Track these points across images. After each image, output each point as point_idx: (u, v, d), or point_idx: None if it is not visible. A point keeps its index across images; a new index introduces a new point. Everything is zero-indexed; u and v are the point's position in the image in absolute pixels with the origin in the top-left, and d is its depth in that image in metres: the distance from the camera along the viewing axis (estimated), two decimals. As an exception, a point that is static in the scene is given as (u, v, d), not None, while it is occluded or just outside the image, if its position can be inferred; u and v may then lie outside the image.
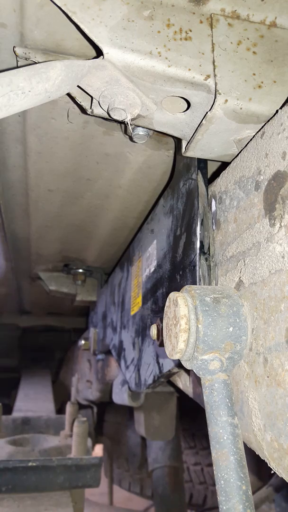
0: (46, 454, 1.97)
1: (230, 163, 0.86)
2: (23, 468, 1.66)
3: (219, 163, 1.08)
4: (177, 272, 1.00)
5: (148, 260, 1.28)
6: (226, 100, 0.75)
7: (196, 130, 0.85)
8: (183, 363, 0.73)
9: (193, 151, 0.91)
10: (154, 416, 2.30)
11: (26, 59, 0.82)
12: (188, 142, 0.90)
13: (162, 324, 0.80)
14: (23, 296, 3.00)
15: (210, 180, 0.95)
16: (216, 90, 0.75)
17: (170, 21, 0.77)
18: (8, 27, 0.78)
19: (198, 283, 0.87)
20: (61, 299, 2.60)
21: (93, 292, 2.39)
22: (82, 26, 0.73)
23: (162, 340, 0.78)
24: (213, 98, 0.76)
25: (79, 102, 0.88)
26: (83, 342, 2.23)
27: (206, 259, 0.88)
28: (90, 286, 2.38)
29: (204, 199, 0.92)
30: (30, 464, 1.68)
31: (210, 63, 0.76)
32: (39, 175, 1.30)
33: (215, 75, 0.76)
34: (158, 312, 1.15)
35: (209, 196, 0.93)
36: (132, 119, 0.86)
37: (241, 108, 0.76)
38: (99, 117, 0.91)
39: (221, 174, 0.89)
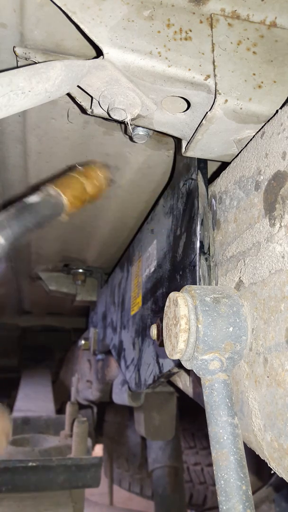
0: (46, 454, 1.98)
1: (230, 163, 0.86)
2: (23, 468, 1.66)
3: (219, 163, 1.08)
4: (177, 272, 1.00)
5: (148, 260, 1.28)
6: (226, 100, 0.75)
7: (196, 130, 0.85)
8: (183, 363, 0.73)
9: (193, 151, 0.91)
10: (154, 416, 2.30)
11: (26, 59, 0.82)
12: (188, 142, 0.90)
13: (162, 324, 0.80)
14: (23, 296, 3.00)
15: (210, 180, 0.95)
16: (216, 90, 0.75)
17: (170, 21, 0.77)
18: (8, 27, 0.78)
19: (198, 283, 0.87)
20: (61, 299, 2.60)
21: (93, 292, 2.39)
22: (82, 26, 0.73)
23: (162, 340, 0.78)
24: (213, 98, 0.76)
25: (79, 102, 0.87)
26: (83, 342, 2.23)
27: (206, 259, 0.88)
28: (90, 286, 2.38)
29: (204, 199, 0.92)
30: (30, 464, 1.68)
31: (210, 63, 0.76)
32: (39, 175, 1.30)
33: (215, 75, 0.76)
34: (158, 312, 1.15)
35: (209, 196, 0.93)
36: (132, 119, 0.86)
37: (241, 108, 0.76)
38: (99, 117, 0.91)
39: (221, 174, 0.89)
